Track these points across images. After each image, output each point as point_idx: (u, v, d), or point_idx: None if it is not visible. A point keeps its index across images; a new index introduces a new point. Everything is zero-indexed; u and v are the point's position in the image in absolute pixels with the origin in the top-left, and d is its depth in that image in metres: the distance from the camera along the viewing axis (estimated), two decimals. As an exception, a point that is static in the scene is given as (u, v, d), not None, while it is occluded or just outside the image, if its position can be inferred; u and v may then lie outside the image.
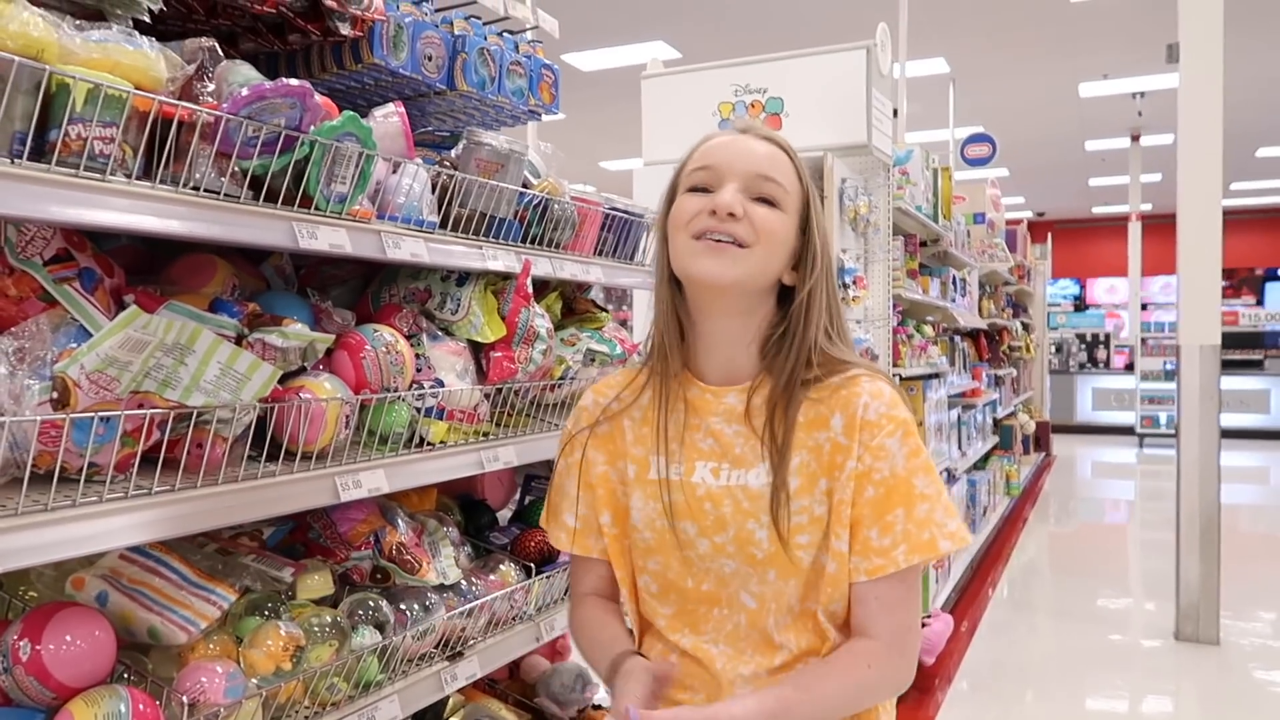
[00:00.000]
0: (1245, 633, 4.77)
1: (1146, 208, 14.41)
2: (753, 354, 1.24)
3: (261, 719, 1.33)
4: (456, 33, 1.86)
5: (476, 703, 2.05)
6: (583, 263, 2.05)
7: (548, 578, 1.93)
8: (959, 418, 5.57)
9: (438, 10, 1.95)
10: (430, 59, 1.79)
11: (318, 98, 1.35)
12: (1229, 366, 10.70)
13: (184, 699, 1.22)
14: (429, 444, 1.65)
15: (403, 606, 1.60)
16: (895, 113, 4.64)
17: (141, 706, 1.16)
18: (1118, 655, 4.54)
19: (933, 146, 5.75)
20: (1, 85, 1.02)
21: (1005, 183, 14.85)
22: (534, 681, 2.24)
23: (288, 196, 1.36)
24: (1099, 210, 19.50)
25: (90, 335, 1.14)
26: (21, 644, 1.15)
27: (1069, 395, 13.71)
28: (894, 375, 3.92)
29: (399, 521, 1.70)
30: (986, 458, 6.93)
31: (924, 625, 3.86)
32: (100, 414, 1.11)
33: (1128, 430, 12.68)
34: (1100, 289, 19.82)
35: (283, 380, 1.37)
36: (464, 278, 1.79)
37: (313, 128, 1.34)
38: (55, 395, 1.09)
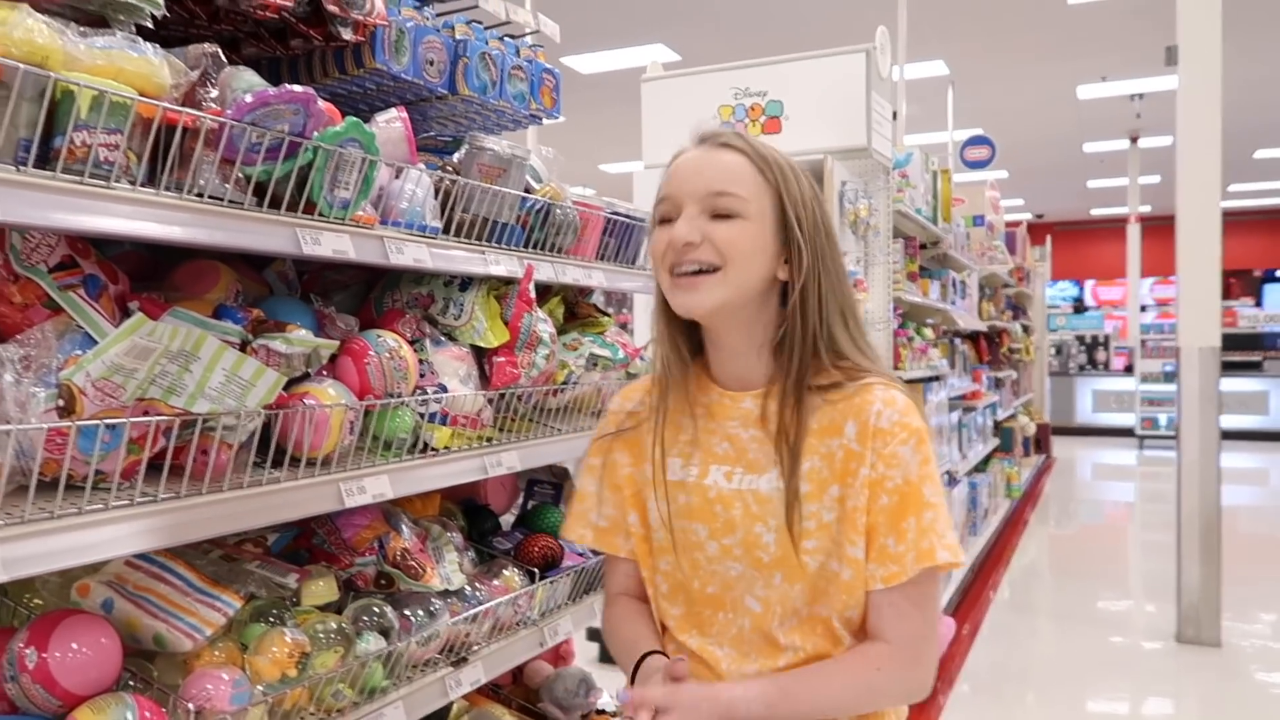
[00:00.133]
0: (1246, 635, 4.77)
1: (1145, 209, 14.42)
2: (765, 358, 1.24)
3: (266, 726, 1.33)
4: (458, 37, 1.86)
5: (481, 708, 2.04)
6: (585, 267, 2.05)
7: (551, 583, 1.93)
8: (959, 420, 5.57)
9: (439, 15, 1.95)
10: (432, 64, 1.79)
11: (321, 103, 1.35)
12: (1228, 368, 10.71)
13: (190, 706, 1.22)
14: (433, 449, 1.64)
15: (407, 612, 1.60)
16: (895, 115, 4.65)
17: (148, 714, 1.16)
18: (1119, 658, 4.54)
19: (932, 149, 5.76)
20: (6, 93, 1.02)
21: (1004, 185, 14.85)
22: (538, 687, 2.24)
23: (291, 202, 1.36)
24: (1098, 212, 19.53)
25: (95, 342, 1.14)
26: (28, 652, 1.15)
27: (1069, 397, 13.72)
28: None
29: (403, 527, 1.69)
30: (987, 460, 6.93)
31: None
32: (106, 421, 1.11)
33: (1128, 432, 12.68)
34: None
35: (287, 386, 1.37)
36: (467, 283, 1.79)
37: (316, 133, 1.34)
38: (61, 403, 1.09)
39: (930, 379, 4.80)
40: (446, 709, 1.92)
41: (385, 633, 1.53)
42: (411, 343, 1.65)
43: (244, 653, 1.35)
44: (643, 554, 1.32)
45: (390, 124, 1.60)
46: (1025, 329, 9.72)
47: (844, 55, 3.86)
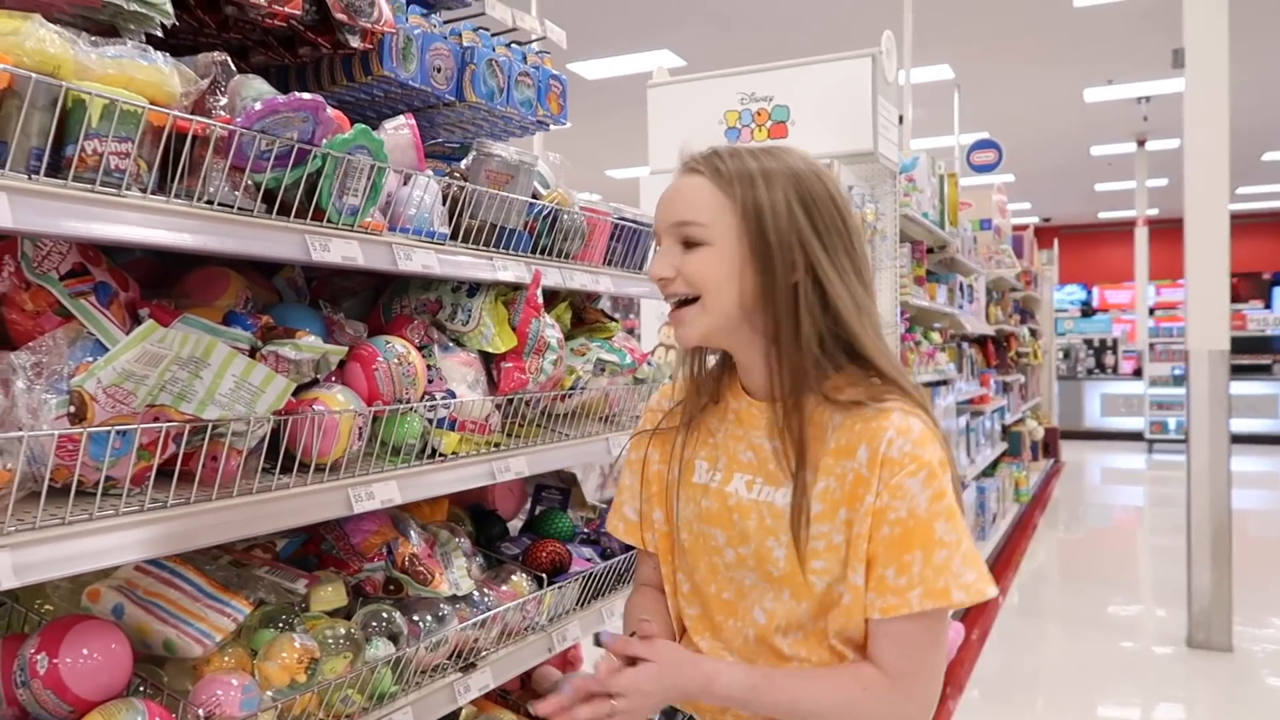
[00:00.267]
0: (1258, 639, 4.74)
1: (1153, 212, 14.39)
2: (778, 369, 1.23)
3: (276, 731, 1.33)
4: (465, 44, 1.87)
5: (489, 714, 2.04)
6: (592, 273, 2.05)
7: (559, 588, 1.93)
8: (967, 425, 5.56)
9: (446, 22, 1.96)
10: (439, 70, 1.79)
11: (330, 111, 1.35)
12: (1238, 372, 10.67)
13: (200, 712, 1.22)
14: (441, 455, 1.65)
15: (415, 618, 1.60)
16: (901, 119, 4.65)
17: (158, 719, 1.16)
18: (1129, 663, 4.52)
19: (938, 153, 5.75)
20: (19, 102, 1.03)
21: (1011, 188, 14.84)
22: (546, 692, 2.24)
23: (300, 209, 1.36)
24: (1105, 215, 19.48)
25: (106, 349, 1.15)
26: (39, 658, 1.16)
27: (1077, 401, 13.66)
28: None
29: (411, 533, 1.70)
30: (995, 464, 6.92)
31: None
32: (116, 428, 1.12)
33: (1137, 436, 12.64)
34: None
35: (296, 392, 1.37)
36: (475, 288, 1.80)
37: (325, 141, 1.35)
38: (72, 409, 1.10)
39: (938, 383, 4.80)
40: (455, 714, 1.91)
41: (394, 638, 1.54)
42: (420, 348, 1.66)
43: (253, 658, 1.35)
44: (664, 551, 1.32)
45: (398, 131, 1.60)
46: (1033, 333, 9.69)
47: (850, 60, 3.87)
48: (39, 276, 1.19)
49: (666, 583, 1.33)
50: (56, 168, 1.09)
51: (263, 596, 1.45)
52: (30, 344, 1.15)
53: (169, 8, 1.28)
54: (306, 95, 1.30)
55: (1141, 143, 12.76)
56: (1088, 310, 18.84)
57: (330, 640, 1.42)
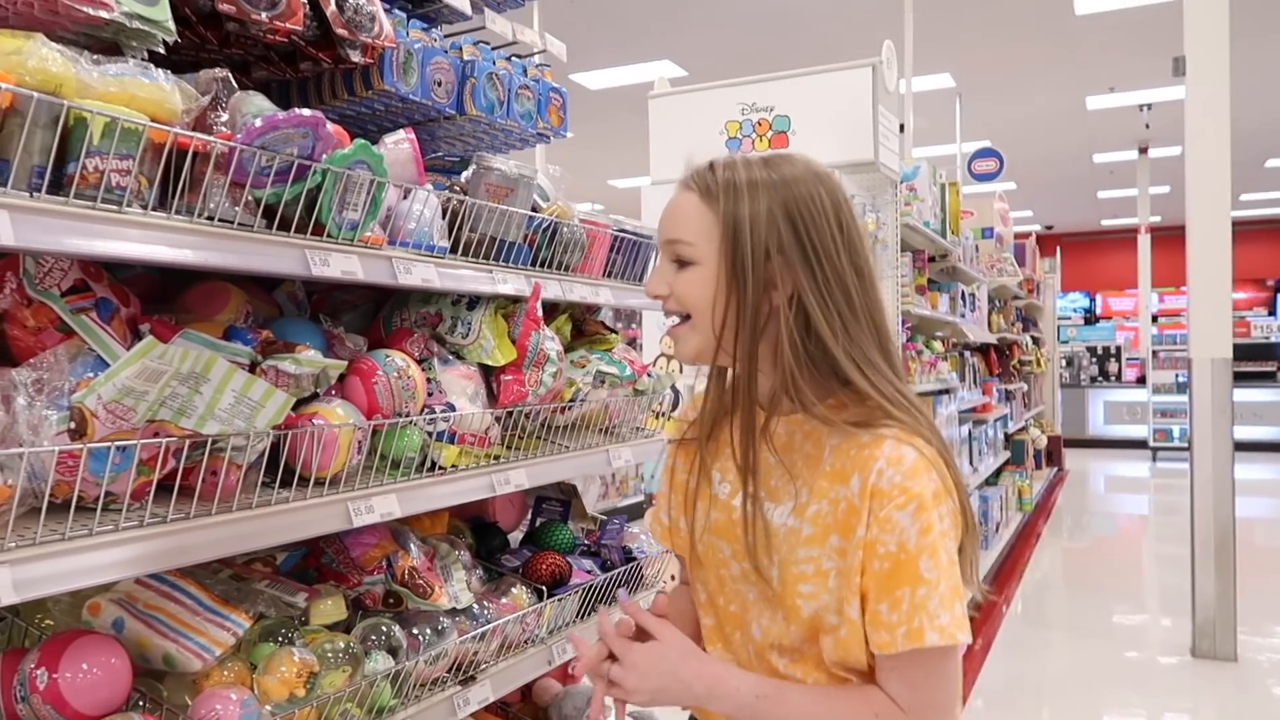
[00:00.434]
0: (1263, 649, 4.72)
1: (1156, 220, 14.39)
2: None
3: (275, 745, 1.33)
4: (465, 58, 1.88)
5: (489, 726, 2.04)
6: (592, 285, 2.05)
7: (559, 600, 1.93)
8: (970, 433, 5.56)
9: (447, 36, 1.98)
10: (439, 84, 1.80)
11: (329, 126, 1.36)
12: (1241, 379, 10.65)
13: (199, 726, 1.22)
14: (440, 468, 1.65)
15: (415, 631, 1.61)
16: (902, 128, 4.66)
17: (157, 734, 1.17)
18: (1134, 672, 4.50)
19: (940, 161, 5.76)
20: (21, 120, 1.04)
21: (1013, 196, 14.86)
22: (546, 705, 2.24)
23: (300, 224, 1.37)
24: (1108, 223, 19.47)
25: (107, 365, 1.16)
26: (39, 672, 1.16)
27: (1080, 409, 13.64)
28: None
29: (411, 546, 1.70)
30: (998, 473, 6.91)
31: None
32: (117, 443, 1.12)
33: (1141, 444, 12.60)
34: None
35: (296, 406, 1.38)
36: (474, 301, 1.81)
37: (325, 156, 1.36)
38: (73, 425, 1.10)
39: (940, 392, 4.80)
40: (455, 727, 1.92)
41: (393, 652, 1.54)
42: (419, 362, 1.66)
43: (253, 672, 1.35)
44: (688, 559, 1.31)
45: (398, 145, 1.61)
46: (1035, 341, 9.68)
47: (850, 70, 3.88)
48: (40, 293, 1.20)
49: (690, 589, 1.33)
50: (58, 185, 1.10)
51: (262, 610, 1.45)
52: (31, 360, 1.16)
53: (171, 25, 1.29)
54: (306, 111, 1.31)
55: (1144, 150, 12.77)
56: (1091, 318, 18.83)
57: (329, 654, 1.42)
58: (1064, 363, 13.61)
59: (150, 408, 1.14)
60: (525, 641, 1.88)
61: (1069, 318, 17.93)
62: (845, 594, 1.09)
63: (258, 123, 1.27)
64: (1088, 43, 8.49)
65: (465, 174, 1.82)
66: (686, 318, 1.17)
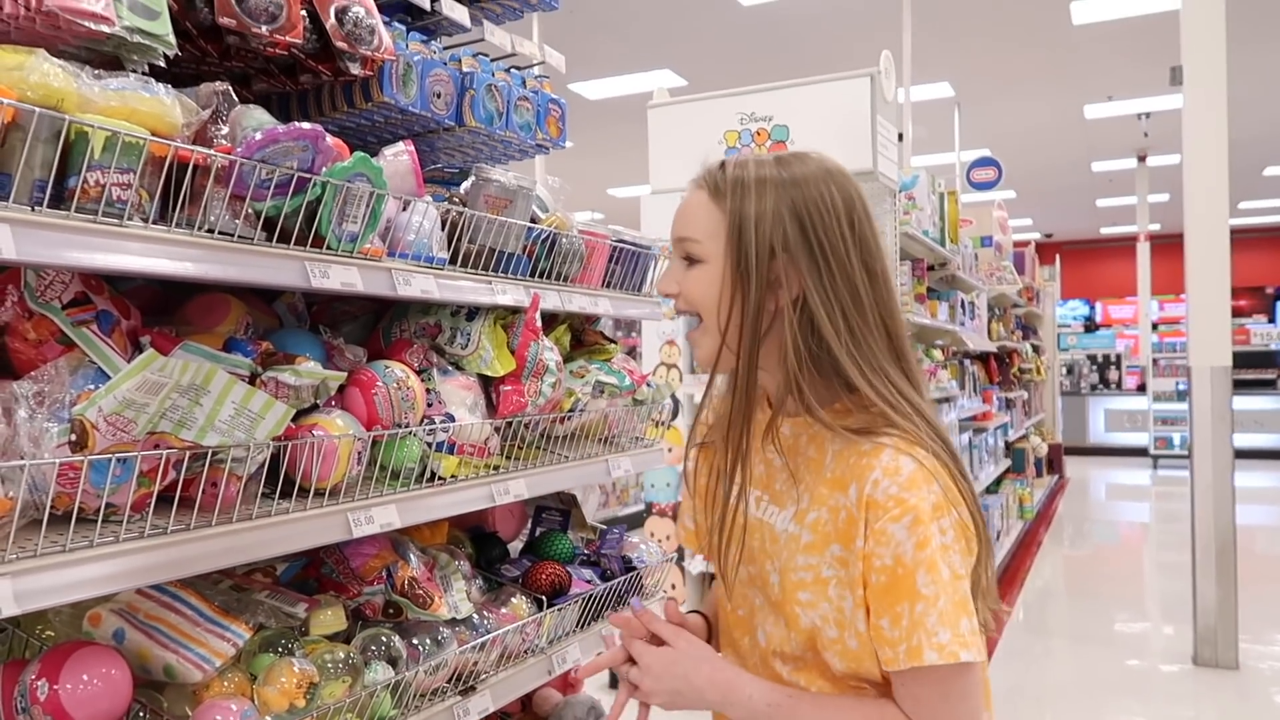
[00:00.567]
0: (1264, 656, 4.72)
1: (1155, 228, 14.41)
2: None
3: (275, 756, 1.33)
4: (464, 70, 1.89)
5: (489, 736, 2.04)
6: (591, 295, 2.06)
7: (559, 610, 1.93)
8: (970, 442, 5.56)
9: (446, 48, 1.99)
10: (439, 96, 1.82)
11: (329, 139, 1.37)
12: (1241, 386, 10.64)
13: (199, 738, 1.22)
14: (440, 478, 1.65)
15: (415, 641, 1.61)
16: (900, 137, 4.67)
17: (157, 746, 1.17)
18: (1136, 680, 4.49)
19: (939, 170, 5.77)
20: (23, 135, 1.05)
21: (1012, 205, 14.88)
22: (546, 715, 2.23)
23: (300, 236, 1.38)
24: (1107, 231, 19.51)
25: (108, 377, 1.16)
26: (39, 684, 1.16)
27: (1081, 417, 13.64)
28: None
29: (411, 556, 1.70)
30: (999, 481, 6.90)
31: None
32: (117, 455, 1.13)
33: (1141, 452, 12.59)
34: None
35: (296, 418, 1.38)
36: (473, 312, 1.81)
37: (324, 169, 1.36)
38: (74, 437, 1.11)
39: (940, 401, 4.80)
40: (455, 738, 1.91)
41: (393, 662, 1.54)
42: (419, 372, 1.67)
43: (253, 683, 1.36)
44: (713, 561, 1.29)
45: (398, 157, 1.62)
46: (1035, 349, 9.69)
47: (849, 80, 3.90)
48: (41, 306, 1.21)
49: (718, 591, 1.33)
50: (59, 199, 1.11)
51: (262, 621, 1.45)
52: (32, 373, 1.16)
53: (172, 39, 1.30)
54: (306, 125, 1.32)
55: (1142, 158, 12.80)
56: (1090, 326, 18.84)
57: (329, 664, 1.42)
58: (1064, 370, 13.61)
59: (151, 420, 1.15)
60: (525, 651, 1.88)
61: (1069, 325, 17.93)
62: (849, 605, 1.07)
63: (258, 136, 1.28)
64: (1086, 52, 8.53)
65: (464, 185, 1.83)
66: (700, 319, 1.17)
